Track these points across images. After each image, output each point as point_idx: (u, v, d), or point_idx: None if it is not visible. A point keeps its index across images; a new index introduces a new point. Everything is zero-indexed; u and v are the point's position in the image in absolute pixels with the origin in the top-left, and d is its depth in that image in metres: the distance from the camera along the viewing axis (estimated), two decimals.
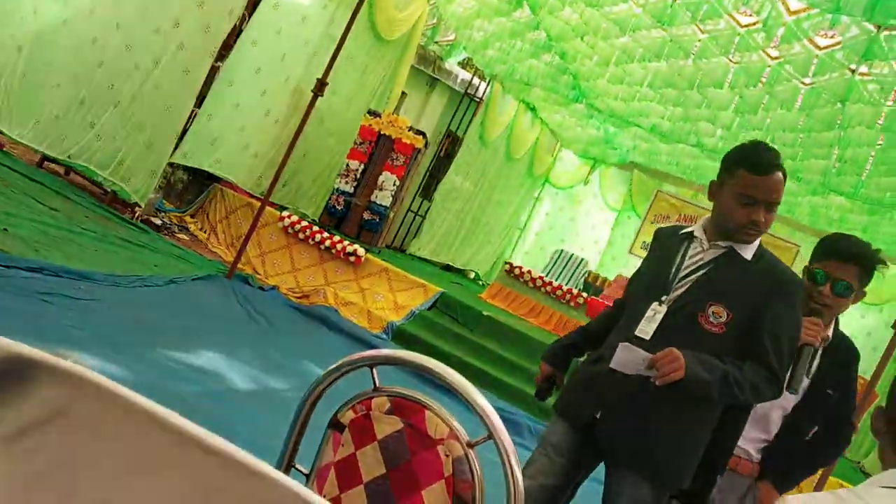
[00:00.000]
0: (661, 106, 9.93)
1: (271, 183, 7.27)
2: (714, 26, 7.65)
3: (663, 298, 2.34)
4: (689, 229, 2.46)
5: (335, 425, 1.43)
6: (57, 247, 5.40)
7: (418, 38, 10.17)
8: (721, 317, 2.26)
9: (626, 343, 2.31)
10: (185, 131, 7.79)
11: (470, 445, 1.34)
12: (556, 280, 10.66)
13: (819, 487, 5.09)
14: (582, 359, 2.71)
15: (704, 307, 2.28)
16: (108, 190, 7.57)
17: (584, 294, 9.86)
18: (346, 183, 9.17)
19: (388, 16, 9.12)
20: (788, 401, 2.52)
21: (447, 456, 1.33)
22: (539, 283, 9.85)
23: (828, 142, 8.62)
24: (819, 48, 7.13)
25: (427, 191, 12.18)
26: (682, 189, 13.43)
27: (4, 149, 7.28)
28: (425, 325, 7.72)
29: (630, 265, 13.03)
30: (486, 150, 11.80)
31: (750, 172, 2.24)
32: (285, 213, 8.44)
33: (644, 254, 2.66)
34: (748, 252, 2.33)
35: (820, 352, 2.53)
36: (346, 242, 8.22)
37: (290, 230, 8.29)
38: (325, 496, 1.37)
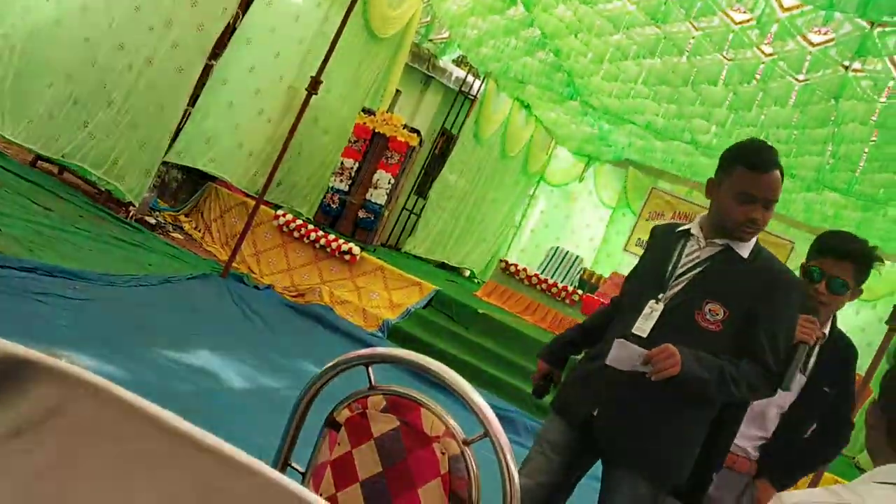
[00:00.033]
0: (655, 103, 9.94)
1: (266, 181, 7.26)
2: (708, 23, 7.66)
3: (660, 296, 2.34)
4: (685, 227, 2.45)
5: (331, 424, 1.43)
6: (51, 246, 5.38)
7: (412, 36, 10.16)
8: (718, 314, 2.27)
9: (621, 339, 2.32)
10: (178, 130, 7.77)
11: (466, 443, 1.34)
12: (552, 277, 10.66)
13: (814, 483, 5.11)
14: (579, 357, 2.71)
15: (701, 305, 2.28)
16: (103, 189, 7.55)
17: (580, 291, 9.87)
18: (341, 181, 9.16)
19: (382, 14, 9.11)
20: (785, 399, 2.52)
21: (443, 454, 1.33)
22: (534, 280, 9.86)
23: (822, 138, 8.64)
24: (812, 45, 7.15)
25: (422, 189, 12.17)
26: (677, 186, 13.45)
27: None
28: (421, 323, 7.72)
29: (625, 262, 13.04)
30: (480, 148, 11.80)
31: (748, 170, 2.25)
32: (280, 212, 8.43)
33: (639, 251, 2.67)
34: (745, 250, 2.33)
35: (817, 350, 2.54)
36: (341, 241, 8.21)
37: (284, 229, 8.28)
38: (321, 495, 1.37)
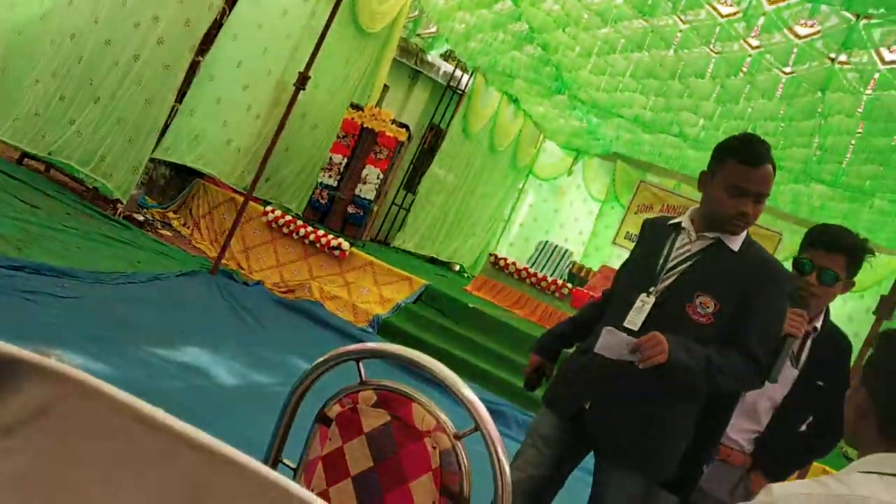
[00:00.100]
0: (643, 96, 9.96)
1: (254, 177, 7.24)
2: (695, 16, 7.68)
3: (651, 289, 2.35)
4: (676, 220, 2.46)
5: (322, 419, 1.43)
6: (39, 244, 5.36)
7: (400, 31, 10.14)
8: (708, 307, 2.28)
9: (610, 327, 2.32)
10: (166, 126, 7.73)
11: (457, 437, 1.35)
12: (541, 271, 10.67)
13: (803, 473, 5.14)
14: (571, 350, 2.72)
15: (692, 298, 2.29)
16: (90, 186, 7.51)
17: (569, 285, 9.89)
18: (330, 177, 9.14)
19: (370, 8, 9.08)
20: (777, 392, 2.53)
21: (434, 448, 1.34)
22: (524, 274, 9.87)
23: (808, 130, 8.68)
24: (799, 37, 7.17)
25: (411, 184, 12.16)
26: (665, 179, 13.47)
27: None
28: (411, 318, 7.72)
29: (614, 256, 13.07)
30: (469, 143, 11.79)
31: (740, 164, 2.25)
32: (269, 208, 8.41)
33: (628, 244, 2.68)
34: (735, 243, 2.34)
35: (809, 343, 2.54)
36: (330, 236, 8.20)
37: (274, 225, 8.26)
38: (312, 490, 1.37)
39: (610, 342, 2.29)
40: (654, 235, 2.49)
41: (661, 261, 2.38)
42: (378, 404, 1.40)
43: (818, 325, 2.56)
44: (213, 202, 8.63)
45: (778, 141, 9.09)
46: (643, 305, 2.33)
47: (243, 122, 8.65)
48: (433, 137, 12.47)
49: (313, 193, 9.30)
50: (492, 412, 1.31)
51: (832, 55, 7.09)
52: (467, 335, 7.64)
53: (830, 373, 2.54)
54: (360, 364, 1.41)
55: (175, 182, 8.79)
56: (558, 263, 11.83)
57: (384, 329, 7.34)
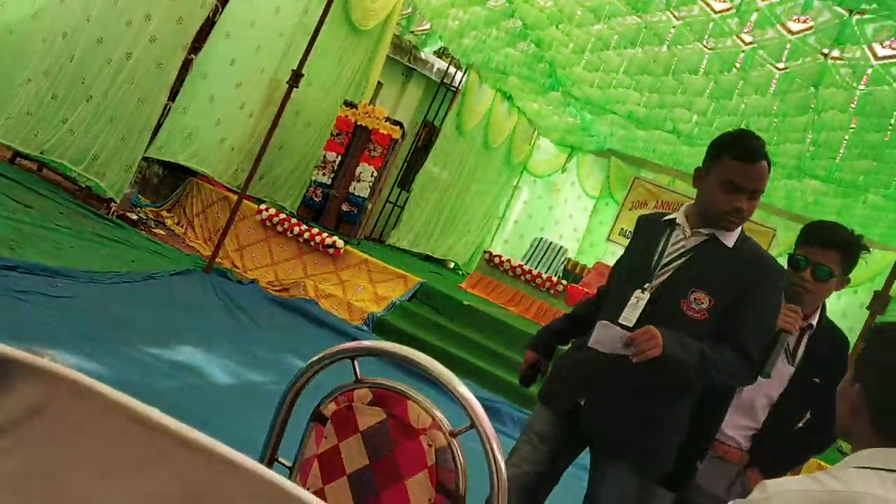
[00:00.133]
0: (636, 93, 9.97)
1: (248, 176, 7.23)
2: (688, 12, 7.69)
3: (646, 286, 2.35)
4: (671, 216, 2.47)
5: (317, 418, 1.43)
6: (32, 244, 5.34)
7: (393, 28, 10.13)
8: (703, 303, 2.28)
9: (604, 321, 2.32)
10: (159, 125, 7.71)
11: (453, 435, 1.34)
12: (536, 268, 10.68)
13: (798, 469, 5.15)
14: (566, 347, 2.72)
15: (687, 294, 2.30)
16: (83, 186, 7.49)
17: (564, 282, 9.89)
18: (324, 175, 9.13)
19: (363, 5, 9.07)
20: (773, 389, 2.53)
21: (430, 446, 1.33)
22: (519, 271, 9.87)
23: (802, 126, 8.70)
24: (792, 33, 7.19)
25: (405, 181, 12.15)
26: (660, 175, 13.49)
27: None
28: (406, 315, 7.72)
29: (609, 252, 13.09)
30: (463, 140, 11.79)
31: (735, 160, 2.26)
32: (263, 206, 8.39)
33: (622, 241, 2.68)
34: (730, 239, 2.35)
35: (806, 340, 2.55)
36: (324, 234, 8.19)
37: (268, 223, 8.24)
38: (308, 489, 1.37)
39: (604, 336, 2.29)
40: (648, 232, 2.50)
41: (656, 257, 2.39)
42: (373, 402, 1.40)
43: (814, 322, 2.56)
44: (207, 201, 8.61)
45: (771, 137, 9.11)
46: (638, 302, 2.34)
47: (236, 120, 8.63)
48: (427, 135, 12.46)
49: (307, 191, 9.28)
50: (487, 409, 1.31)
51: (825, 51, 7.12)
52: (462, 333, 7.64)
53: (827, 369, 2.53)
54: (355, 362, 1.41)
55: (168, 181, 8.76)
56: (553, 260, 11.84)
57: (379, 327, 7.33)
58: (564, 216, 14.43)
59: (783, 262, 2.51)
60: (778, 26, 7.17)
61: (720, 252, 2.34)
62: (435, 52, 12.33)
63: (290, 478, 1.43)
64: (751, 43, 7.71)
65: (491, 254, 10.26)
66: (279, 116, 7.01)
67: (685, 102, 9.53)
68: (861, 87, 7.42)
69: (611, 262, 7.48)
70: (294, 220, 8.33)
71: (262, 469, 0.64)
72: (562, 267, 11.61)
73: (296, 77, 6.87)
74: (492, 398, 6.56)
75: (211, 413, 3.90)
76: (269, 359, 5.54)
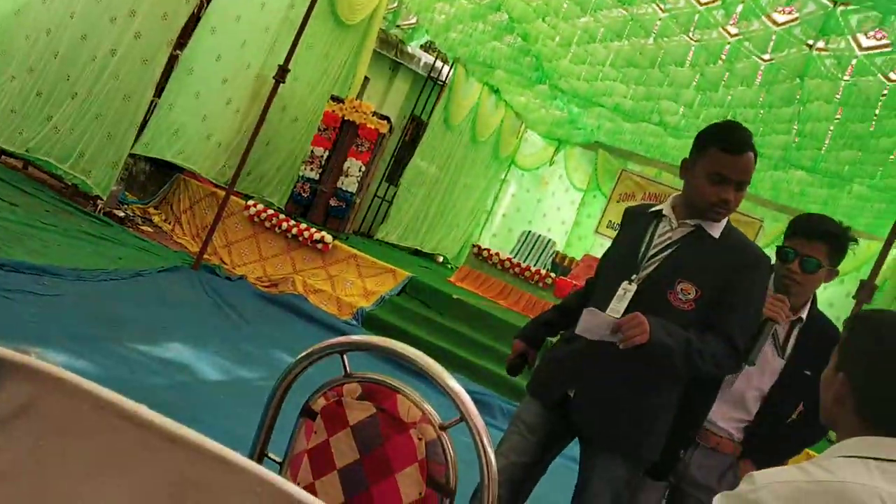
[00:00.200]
0: (623, 85, 9.98)
1: (235, 172, 7.21)
2: (674, 5, 7.70)
3: (633, 277, 2.36)
4: (657, 208, 2.47)
5: (307, 413, 1.43)
6: (18, 242, 5.31)
7: (380, 22, 10.10)
8: (690, 294, 2.29)
9: (591, 308, 2.33)
10: (145, 121, 7.68)
11: (442, 428, 1.35)
12: (525, 261, 10.69)
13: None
14: (555, 339, 2.73)
15: (674, 285, 2.31)
16: (69, 183, 7.44)
17: (553, 274, 9.91)
18: (311, 170, 9.11)
19: (349, 0, 9.04)
20: (764, 382, 2.54)
21: (420, 439, 1.34)
22: (507, 264, 9.88)
23: (787, 117, 8.74)
24: (777, 24, 7.22)
25: (393, 176, 12.13)
26: (647, 167, 13.53)
27: None
28: (395, 310, 7.72)
29: (597, 245, 13.12)
30: (451, 134, 11.78)
31: (722, 151, 2.26)
32: (251, 202, 8.37)
33: (610, 233, 2.68)
34: (716, 230, 2.36)
35: (796, 332, 2.56)
36: (313, 230, 8.18)
37: (256, 219, 8.22)
38: (298, 484, 1.37)
39: (591, 323, 2.29)
40: (635, 223, 2.50)
41: (643, 248, 2.40)
42: (363, 397, 1.40)
43: (804, 315, 2.57)
44: (195, 197, 8.57)
45: (758, 128, 9.15)
46: (625, 293, 2.35)
47: (223, 116, 8.60)
48: (415, 129, 12.44)
49: (295, 187, 9.26)
50: (477, 402, 1.31)
51: (810, 42, 7.15)
52: (452, 326, 7.65)
53: (818, 362, 2.53)
54: (345, 357, 1.41)
55: (155, 177, 8.72)
56: (541, 253, 11.86)
57: (368, 322, 7.33)
58: (552, 209, 14.46)
59: (771, 252, 2.53)
60: (763, 18, 7.19)
61: (706, 243, 2.35)
62: (421, 47, 12.31)
63: (280, 473, 1.43)
64: (736, 35, 7.74)
65: (479, 247, 10.26)
66: (266, 112, 6.99)
67: (672, 94, 9.56)
68: (846, 77, 7.46)
69: (599, 254, 7.49)
70: (282, 216, 8.31)
71: (251, 465, 0.64)
72: (550, 260, 11.63)
73: (282, 72, 6.84)
74: (482, 391, 6.57)
75: (200, 410, 3.89)
76: (259, 355, 5.53)
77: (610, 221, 13.14)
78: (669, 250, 2.36)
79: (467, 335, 7.56)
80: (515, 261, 10.04)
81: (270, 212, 8.28)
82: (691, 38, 8.12)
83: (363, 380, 1.41)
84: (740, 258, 2.33)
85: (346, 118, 9.03)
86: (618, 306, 2.33)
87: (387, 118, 9.17)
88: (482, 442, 1.26)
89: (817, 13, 6.67)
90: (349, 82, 9.86)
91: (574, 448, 2.54)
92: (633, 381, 2.34)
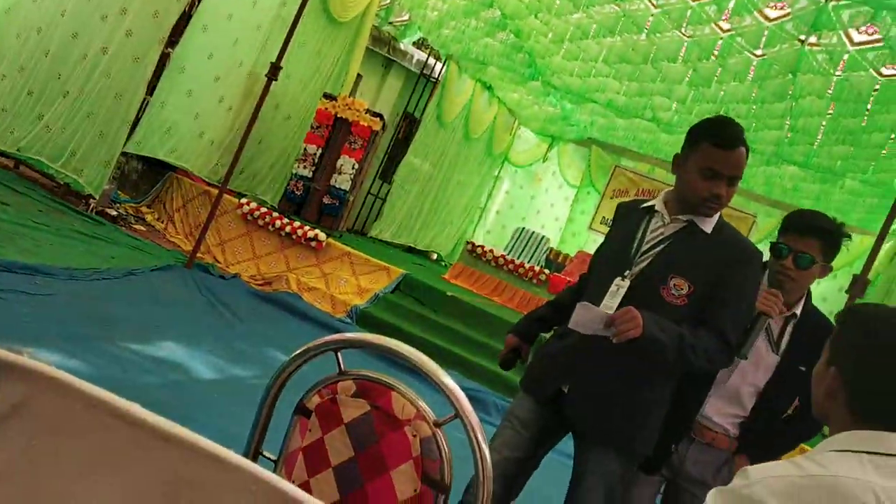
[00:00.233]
0: (616, 81, 9.99)
1: (228, 170, 7.19)
2: (666, 0, 7.70)
3: (626, 273, 2.37)
4: (650, 203, 2.48)
5: (301, 411, 1.43)
6: (10, 242, 5.29)
7: (372, 19, 10.09)
8: (683, 289, 2.30)
9: (585, 302, 2.33)
10: (137, 120, 7.65)
11: (437, 425, 1.35)
12: (518, 258, 10.69)
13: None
14: (548, 335, 2.73)
15: (666, 280, 2.31)
16: (61, 182, 7.42)
17: (547, 271, 9.91)
18: (305, 168, 9.10)
19: None
20: (759, 378, 2.55)
21: (415, 436, 1.34)
22: (501, 261, 9.88)
23: (780, 112, 8.76)
24: (769, 20, 7.23)
25: (386, 173, 12.13)
26: (640, 163, 13.54)
27: None
28: (389, 307, 7.71)
29: (590, 241, 13.12)
30: (444, 131, 11.77)
31: (714, 146, 2.27)
32: (244, 200, 8.35)
33: (604, 229, 2.68)
34: (708, 225, 2.37)
35: (790, 329, 2.56)
36: (306, 228, 8.17)
37: (249, 217, 8.21)
38: (293, 482, 1.37)
39: (584, 317, 2.29)
40: (627, 219, 2.51)
41: (636, 244, 2.40)
42: (357, 394, 1.40)
43: (798, 311, 2.57)
44: (187, 196, 8.55)
45: (750, 123, 9.17)
46: (618, 289, 2.35)
47: (215, 114, 8.58)
48: (408, 126, 12.43)
49: (288, 185, 9.25)
50: (472, 399, 1.32)
51: (802, 37, 7.16)
52: (446, 323, 7.64)
53: (814, 357, 2.54)
54: (339, 354, 1.41)
55: (148, 176, 8.70)
56: (535, 250, 11.86)
57: (363, 319, 7.33)
58: (546, 205, 14.46)
59: (764, 248, 2.53)
60: (755, 13, 7.21)
61: (699, 238, 2.35)
62: (414, 43, 12.30)
63: (274, 471, 1.43)
64: (729, 30, 7.75)
65: (473, 244, 10.26)
66: (258, 110, 6.97)
67: (664, 90, 9.57)
68: (838, 72, 7.48)
69: (593, 250, 7.49)
70: (275, 214, 8.30)
71: (245, 462, 0.64)
72: (544, 256, 11.63)
73: (274, 70, 6.83)
74: (476, 388, 6.58)
75: (194, 409, 3.89)
76: (253, 353, 5.52)
77: (603, 218, 13.14)
78: (662, 246, 2.37)
79: (461, 332, 7.56)
80: (509, 258, 10.04)
81: (264, 210, 8.27)
82: (684, 34, 8.13)
83: (357, 377, 1.41)
84: (732, 253, 2.34)
85: (338, 116, 9.02)
86: (611, 302, 2.34)
87: (380, 115, 9.17)
88: (477, 438, 1.26)
89: (809, 8, 6.69)
90: (342, 80, 9.84)
91: (567, 443, 2.54)
92: (626, 375, 2.34)
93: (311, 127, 9.12)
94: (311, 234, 8.08)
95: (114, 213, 7.61)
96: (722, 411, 2.57)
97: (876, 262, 5.41)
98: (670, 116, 10.28)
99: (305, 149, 9.10)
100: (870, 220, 10.48)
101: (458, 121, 11.95)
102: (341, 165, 9.00)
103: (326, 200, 9.12)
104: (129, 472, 0.62)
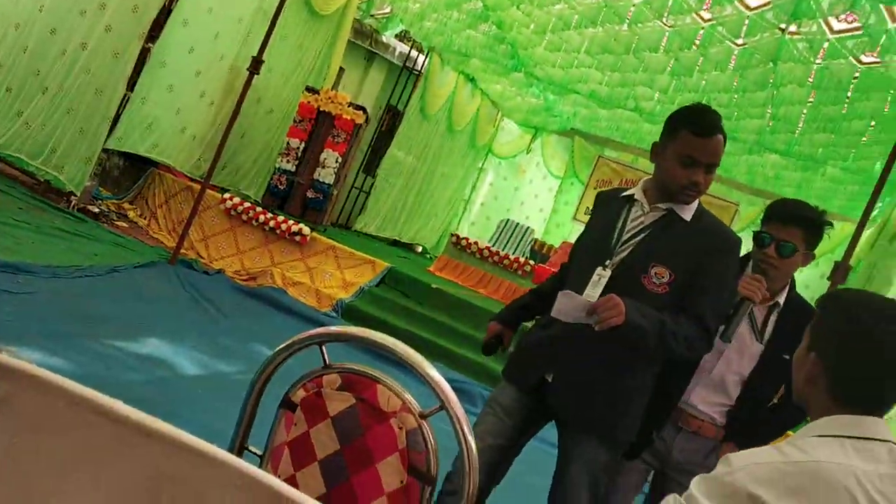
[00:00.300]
0: (598, 72, 10.00)
1: (211, 165, 7.15)
2: None
3: (607, 262, 2.38)
4: (629, 192, 2.49)
5: (287, 405, 1.43)
6: None
7: (354, 12, 10.04)
8: (664, 277, 2.31)
9: (566, 291, 2.34)
10: (118, 116, 7.59)
11: (423, 416, 1.35)
12: (503, 249, 10.71)
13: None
14: (530, 324, 2.74)
15: (647, 269, 2.33)
16: (42, 180, 7.35)
17: (532, 262, 9.94)
18: (288, 162, 9.05)
19: None
20: (743, 366, 2.57)
21: (400, 428, 1.34)
22: (486, 253, 9.89)
23: (761, 101, 8.80)
24: (749, 9, 7.26)
25: (370, 167, 12.10)
26: (623, 154, 13.57)
27: None
28: (375, 301, 7.71)
29: (575, 231, 13.14)
30: (427, 124, 11.75)
31: (692, 134, 2.29)
32: (227, 195, 8.31)
33: (588, 219, 2.68)
34: (687, 213, 2.39)
35: (774, 317, 2.58)
36: (290, 222, 8.14)
37: (232, 212, 8.17)
38: (279, 476, 1.37)
39: (567, 306, 2.30)
40: (607, 208, 2.52)
41: (616, 233, 2.42)
42: (343, 387, 1.40)
43: (781, 300, 2.59)
44: (170, 191, 8.50)
45: (732, 112, 9.21)
46: (600, 279, 2.36)
47: (197, 108, 8.52)
48: (391, 119, 12.40)
49: (272, 179, 9.20)
50: (458, 391, 1.32)
51: (782, 26, 7.19)
52: (432, 316, 7.65)
53: (798, 345, 2.57)
54: (323, 348, 1.41)
55: (129, 172, 8.63)
56: (520, 241, 11.87)
57: (348, 313, 7.32)
58: (530, 197, 14.48)
59: (747, 236, 2.55)
60: (736, 2, 7.24)
61: (678, 226, 2.37)
62: (396, 36, 12.25)
63: (260, 466, 1.43)
64: (710, 20, 7.77)
65: (458, 237, 10.26)
66: (240, 104, 6.93)
67: (647, 80, 9.59)
68: (818, 61, 7.52)
69: None
70: (259, 209, 8.27)
71: (230, 457, 0.64)
72: (529, 247, 11.65)
73: (256, 64, 6.79)
74: (462, 379, 6.59)
75: (179, 405, 3.87)
76: (238, 349, 5.51)
77: (587, 208, 13.16)
78: (642, 235, 2.38)
79: (447, 324, 7.56)
80: (494, 249, 10.05)
81: (247, 205, 8.23)
82: (665, 24, 8.15)
83: (343, 370, 1.41)
84: (712, 241, 2.37)
85: (321, 109, 8.98)
86: (593, 292, 2.35)
87: (363, 108, 9.13)
88: (462, 430, 1.27)
89: None
90: (324, 73, 9.80)
91: (548, 431, 2.56)
92: (608, 363, 2.36)
93: (294, 121, 9.07)
94: (295, 228, 8.05)
95: (96, 209, 7.55)
96: (707, 400, 2.59)
97: (857, 249, 5.45)
98: (653, 106, 10.31)
99: (288, 143, 9.06)
100: (851, 207, 10.57)
101: (441, 113, 11.93)
102: (325, 159, 8.97)
103: (310, 194, 9.08)
104: (112, 468, 0.62)
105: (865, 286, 9.82)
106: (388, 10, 11.35)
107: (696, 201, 2.40)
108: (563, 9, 8.65)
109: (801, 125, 9.01)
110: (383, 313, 7.47)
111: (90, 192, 7.56)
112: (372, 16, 11.46)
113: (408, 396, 1.37)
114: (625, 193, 2.50)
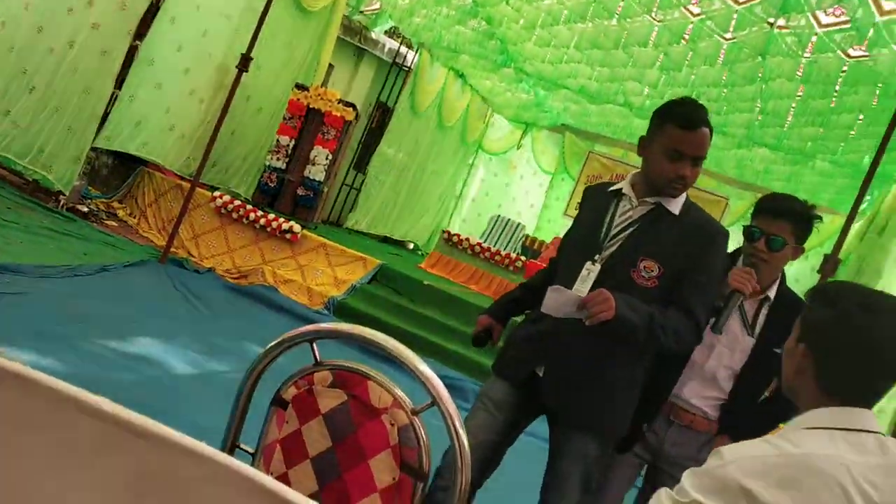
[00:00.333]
0: (588, 67, 10.00)
1: (200, 163, 7.13)
2: None
3: (596, 257, 2.39)
4: (617, 186, 2.50)
5: (278, 402, 1.42)
6: None
7: (343, 9, 10.01)
8: (653, 271, 2.32)
9: (556, 286, 2.35)
10: (106, 114, 7.55)
11: (414, 413, 1.35)
12: (495, 245, 10.72)
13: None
14: (520, 318, 2.74)
15: (636, 263, 2.34)
16: (30, 179, 7.31)
17: (523, 258, 9.95)
18: (278, 159, 9.03)
19: None
20: (734, 361, 2.58)
21: (392, 425, 1.34)
22: (477, 249, 9.90)
23: (750, 95, 8.82)
24: (738, 3, 7.27)
25: (360, 164, 12.07)
26: (613, 149, 13.58)
27: None
28: (366, 298, 7.70)
29: (566, 227, 13.01)
30: (417, 120, 11.74)
31: (678, 128, 2.30)
32: (217, 193, 8.28)
33: None
34: (675, 207, 2.40)
35: (765, 311, 2.59)
36: (281, 220, 8.12)
37: (222, 210, 8.14)
38: (271, 474, 1.36)
39: (557, 301, 2.31)
40: (596, 203, 2.53)
41: (605, 228, 2.43)
42: (334, 384, 1.40)
43: (771, 294, 2.60)
44: (159, 190, 8.47)
45: (721, 107, 9.23)
46: (589, 273, 2.37)
47: (186, 106, 8.49)
48: (381, 116, 12.38)
49: (262, 177, 9.18)
50: (450, 387, 1.31)
51: (771, 20, 7.20)
52: (423, 312, 7.65)
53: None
54: (314, 345, 1.40)
55: (119, 171, 8.60)
56: (511, 237, 11.89)
57: (340, 311, 7.31)
58: (521, 193, 14.48)
59: (736, 230, 2.57)
60: None
61: (666, 220, 2.38)
62: (386, 32, 12.23)
63: (252, 464, 1.42)
64: (699, 14, 7.78)
65: (449, 233, 10.26)
66: (230, 102, 6.91)
67: (636, 75, 9.60)
68: (806, 55, 7.54)
69: None
70: (249, 207, 8.24)
71: (219, 455, 0.64)
72: (520, 243, 11.67)
73: (245, 61, 6.77)
74: (455, 375, 6.58)
75: (171, 404, 3.86)
76: (229, 347, 5.49)
77: (578, 204, 13.10)
78: (631, 229, 2.39)
79: (439, 321, 7.56)
80: (485, 245, 10.06)
81: (237, 203, 8.21)
82: (654, 19, 8.15)
83: (334, 367, 1.41)
84: (700, 234, 2.38)
85: (311, 106, 8.96)
86: (582, 287, 2.35)
87: (352, 105, 9.11)
88: (454, 425, 1.27)
89: None
90: (313, 70, 9.77)
91: (540, 425, 2.56)
92: (598, 357, 2.37)
93: (284, 118, 9.05)
94: (285, 226, 8.03)
95: (85, 209, 7.52)
96: (700, 394, 2.60)
97: (846, 242, 5.48)
98: (642, 101, 10.32)
99: (278, 140, 9.03)
100: (840, 200, 10.61)
101: (431, 109, 11.92)
102: (315, 156, 8.95)
103: (301, 192, 9.06)
104: (97, 467, 0.62)
105: (855, 279, 9.87)
106: (377, 6, 11.32)
107: (684, 195, 2.42)
108: (553, 4, 8.64)
109: (790, 119, 9.03)
110: (375, 310, 7.46)
111: (79, 192, 7.52)
112: (361, 12, 11.42)
113: (399, 393, 1.37)
114: (613, 188, 2.51)
